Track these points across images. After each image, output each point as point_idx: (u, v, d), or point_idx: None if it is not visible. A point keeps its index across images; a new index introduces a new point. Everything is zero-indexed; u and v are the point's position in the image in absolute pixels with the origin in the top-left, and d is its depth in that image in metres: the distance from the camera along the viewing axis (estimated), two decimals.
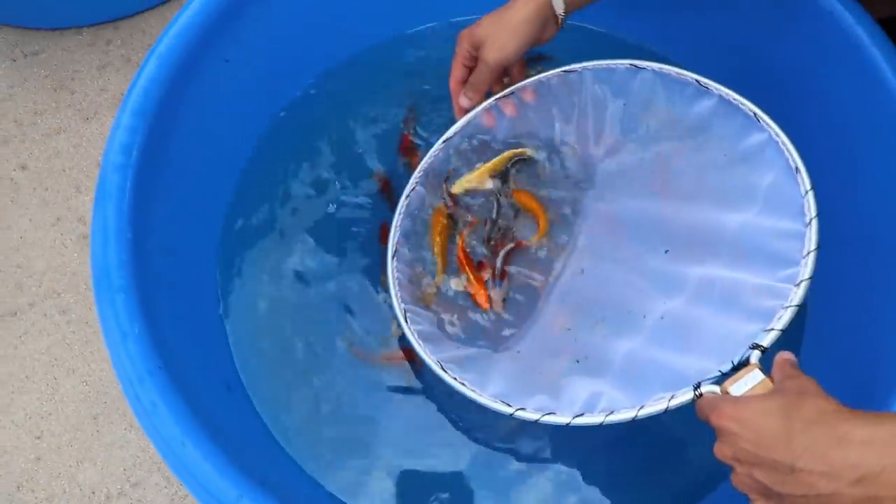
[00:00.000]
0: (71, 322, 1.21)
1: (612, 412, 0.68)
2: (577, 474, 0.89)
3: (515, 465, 0.89)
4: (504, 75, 0.88)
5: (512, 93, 0.88)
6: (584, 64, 0.85)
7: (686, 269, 0.79)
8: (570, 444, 0.91)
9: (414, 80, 1.08)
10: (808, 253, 0.68)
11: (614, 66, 0.84)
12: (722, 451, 0.59)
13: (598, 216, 0.89)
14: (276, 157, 1.04)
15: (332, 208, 1.01)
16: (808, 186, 0.70)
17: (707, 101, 0.79)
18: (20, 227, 1.29)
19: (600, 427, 0.69)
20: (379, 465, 0.88)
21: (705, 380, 0.66)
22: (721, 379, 0.65)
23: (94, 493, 1.11)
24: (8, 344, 1.21)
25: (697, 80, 0.79)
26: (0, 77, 1.40)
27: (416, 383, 0.92)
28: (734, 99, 0.77)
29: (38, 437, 1.15)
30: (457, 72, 0.86)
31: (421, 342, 0.79)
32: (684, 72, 0.80)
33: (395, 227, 0.87)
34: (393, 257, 0.85)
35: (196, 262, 0.94)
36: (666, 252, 0.81)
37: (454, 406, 0.91)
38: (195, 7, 0.86)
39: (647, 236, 0.83)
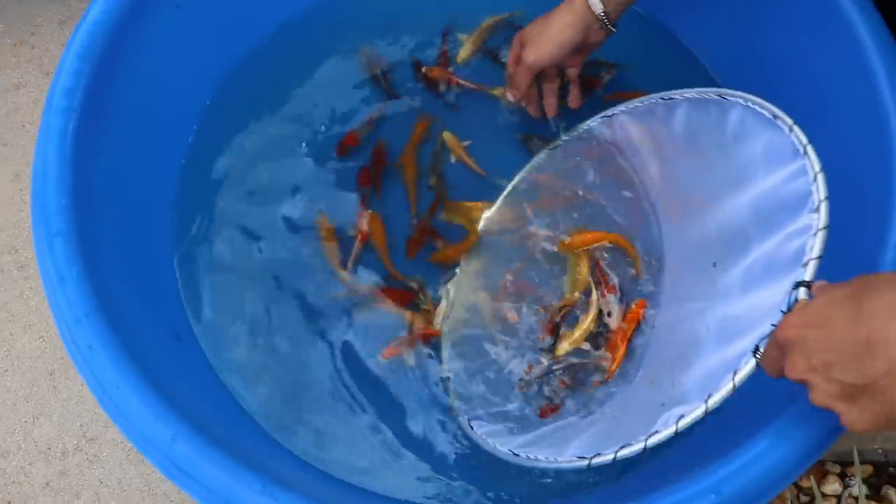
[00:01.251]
0: (28, 278, 1.20)
1: (681, 417, 0.65)
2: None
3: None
4: (557, 76, 0.94)
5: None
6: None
7: (732, 268, 0.78)
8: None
9: (373, 31, 1.07)
10: (816, 174, 0.66)
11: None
12: (795, 365, 0.55)
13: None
14: (234, 106, 1.03)
15: (294, 160, 1.01)
16: (790, 123, 0.70)
17: (682, 108, 0.82)
18: None
19: None
20: (326, 419, 0.88)
21: (761, 340, 0.62)
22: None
23: (49, 448, 1.10)
24: None
25: (661, 98, 0.83)
26: None
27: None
28: (699, 93, 0.79)
29: None
30: (510, 68, 0.94)
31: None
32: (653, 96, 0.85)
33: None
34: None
35: (149, 211, 0.93)
36: (714, 265, 0.81)
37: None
38: None
39: (693, 259, 0.85)
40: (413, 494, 0.84)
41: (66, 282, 0.71)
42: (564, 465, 0.71)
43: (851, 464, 1.07)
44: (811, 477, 1.05)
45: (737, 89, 0.78)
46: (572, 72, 0.94)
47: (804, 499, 1.05)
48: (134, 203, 0.88)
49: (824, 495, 1.06)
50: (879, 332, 0.49)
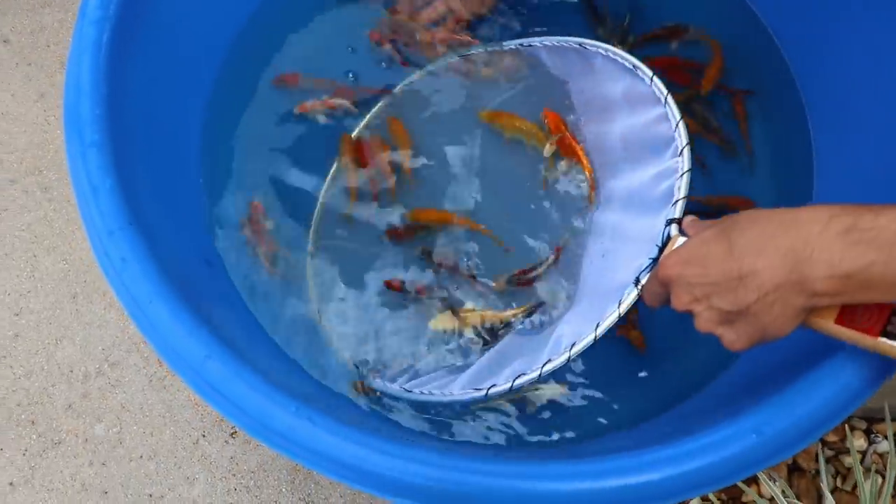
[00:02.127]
0: (53, 200, 1.19)
1: (573, 345, 0.70)
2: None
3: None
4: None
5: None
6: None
7: (609, 208, 0.86)
8: None
9: None
10: (677, 123, 0.74)
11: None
12: (679, 299, 0.61)
13: None
14: (271, 24, 0.99)
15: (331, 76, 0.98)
16: (650, 75, 0.77)
17: (542, 53, 0.91)
18: (2, 102, 1.25)
19: None
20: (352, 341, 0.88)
21: (641, 272, 0.68)
22: (653, 265, 0.68)
23: (72, 371, 1.10)
24: None
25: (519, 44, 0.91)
26: None
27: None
28: (558, 42, 0.88)
29: (17, 314, 1.13)
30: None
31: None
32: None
33: None
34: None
35: (180, 129, 0.91)
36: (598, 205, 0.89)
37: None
38: None
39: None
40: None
41: (99, 193, 0.69)
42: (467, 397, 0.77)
43: (878, 420, 1.06)
44: (846, 426, 1.04)
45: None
46: None
47: (828, 453, 1.04)
48: (166, 119, 0.86)
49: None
50: (749, 265, 0.55)
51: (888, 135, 0.83)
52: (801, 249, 0.52)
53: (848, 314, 0.56)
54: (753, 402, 0.63)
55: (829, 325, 0.57)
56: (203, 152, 0.93)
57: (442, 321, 0.87)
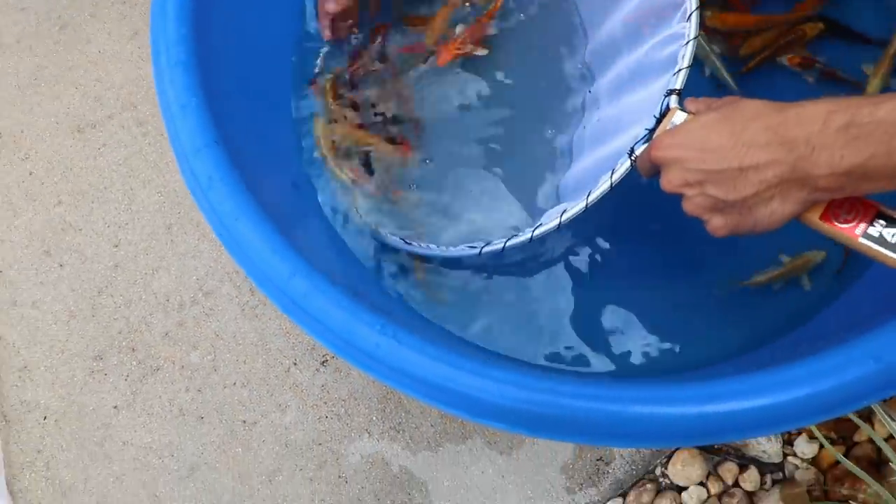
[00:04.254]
0: (147, 134, 1.21)
1: (564, 211, 0.69)
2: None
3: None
4: None
5: None
6: None
7: (605, 71, 0.83)
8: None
9: None
10: None
11: None
12: (670, 180, 0.61)
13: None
14: None
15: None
16: None
17: None
18: (99, 41, 1.27)
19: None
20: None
21: (636, 143, 0.67)
22: (650, 137, 0.66)
23: (168, 300, 1.12)
24: (87, 156, 1.21)
25: None
26: None
27: None
28: None
29: (116, 246, 1.16)
30: None
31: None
32: None
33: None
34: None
35: (270, 51, 0.90)
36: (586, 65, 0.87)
37: None
38: None
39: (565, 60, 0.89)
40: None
41: (186, 111, 0.68)
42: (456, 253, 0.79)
43: None
44: None
45: None
46: None
47: None
48: (252, 38, 0.85)
49: None
50: (751, 159, 0.55)
51: None
52: (803, 146, 0.53)
53: (834, 210, 0.57)
54: (871, 329, 0.59)
55: (814, 219, 0.57)
56: (296, 73, 0.92)
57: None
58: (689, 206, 0.61)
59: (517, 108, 0.91)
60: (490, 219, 0.87)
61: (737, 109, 0.57)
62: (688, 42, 0.68)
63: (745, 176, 0.56)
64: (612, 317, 0.85)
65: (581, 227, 0.87)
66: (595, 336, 0.84)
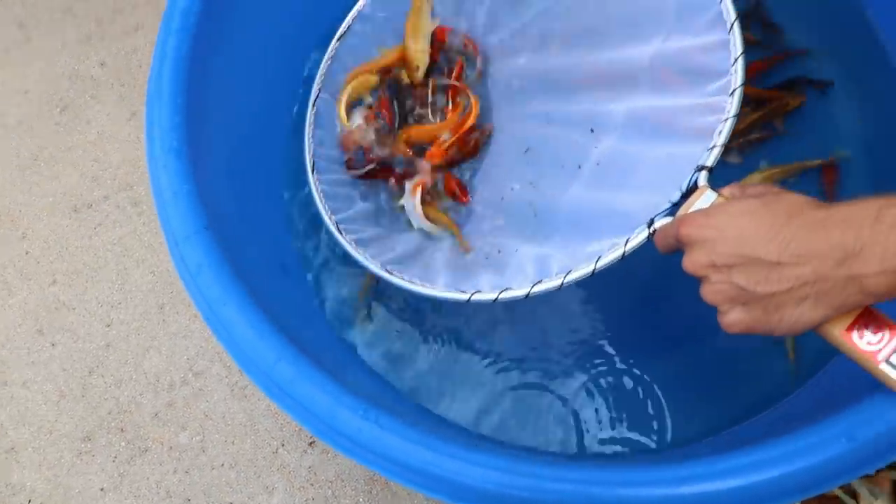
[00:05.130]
0: (142, 214, 1.23)
1: (569, 272, 0.66)
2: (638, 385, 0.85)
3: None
4: None
5: None
6: None
7: (611, 108, 0.76)
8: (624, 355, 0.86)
9: None
10: (736, 59, 0.65)
11: None
12: (695, 260, 0.57)
13: (513, 75, 0.85)
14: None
15: None
16: None
17: None
18: (98, 122, 1.31)
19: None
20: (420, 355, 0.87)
21: (657, 214, 0.64)
22: (673, 210, 0.63)
23: (158, 380, 1.13)
24: (83, 235, 1.23)
25: None
26: None
27: None
28: None
29: (108, 325, 1.17)
30: None
31: (361, 249, 0.79)
32: None
33: (308, 138, 0.85)
34: (313, 172, 0.84)
35: (261, 138, 0.92)
36: (586, 97, 0.78)
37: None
38: None
39: (564, 86, 0.80)
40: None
41: (177, 198, 0.70)
42: (443, 295, 0.72)
43: None
44: None
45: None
46: None
47: None
48: (246, 128, 0.88)
49: None
50: (792, 252, 0.51)
51: None
52: (851, 244, 0.49)
53: (860, 329, 0.53)
54: (845, 407, 0.59)
55: (835, 332, 0.54)
56: (286, 161, 0.94)
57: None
58: (710, 292, 0.56)
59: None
60: None
61: (780, 200, 0.54)
62: (727, 119, 0.64)
63: (782, 269, 0.52)
64: (589, 398, 0.85)
65: (556, 300, 0.88)
66: (572, 418, 0.85)
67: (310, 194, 0.93)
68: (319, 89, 0.88)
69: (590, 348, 0.87)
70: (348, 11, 0.94)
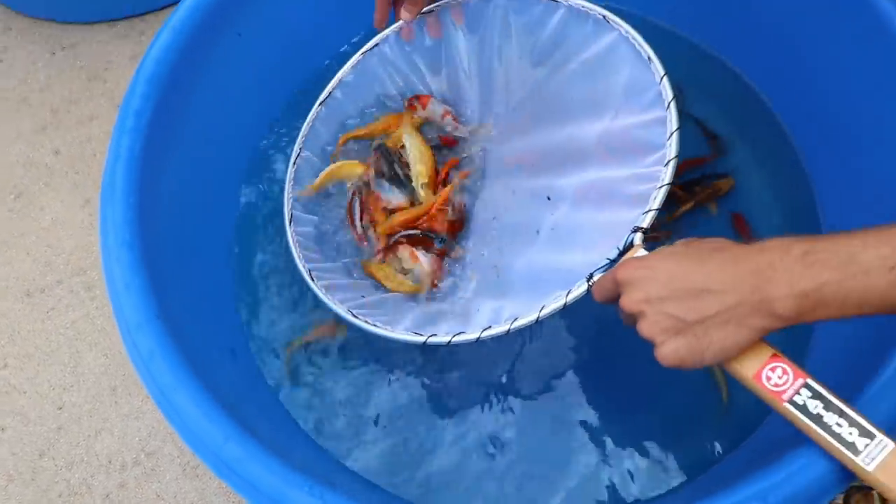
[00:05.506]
0: (95, 298, 1.26)
1: (515, 319, 0.72)
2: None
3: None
4: None
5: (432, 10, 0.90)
6: None
7: (565, 179, 0.84)
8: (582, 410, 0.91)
9: None
10: (671, 134, 0.73)
11: None
12: (632, 297, 0.62)
13: (485, 152, 0.93)
14: (299, 128, 1.05)
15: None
16: (662, 73, 0.75)
17: (557, 15, 0.84)
18: (52, 208, 1.34)
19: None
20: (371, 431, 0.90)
21: (596, 269, 0.70)
22: (610, 266, 0.70)
23: (110, 461, 1.14)
24: (36, 319, 1.25)
25: None
26: (39, 69, 1.47)
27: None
28: (582, 6, 0.81)
29: (60, 408, 1.19)
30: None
31: (330, 294, 0.85)
32: None
33: (288, 193, 0.92)
34: (290, 223, 0.91)
35: (210, 229, 0.97)
36: (545, 169, 0.86)
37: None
38: None
39: (526, 161, 0.88)
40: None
41: (129, 289, 0.75)
42: (401, 337, 0.78)
43: None
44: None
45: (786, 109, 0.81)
46: None
47: None
48: (197, 219, 0.92)
49: None
50: (715, 281, 0.58)
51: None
52: (764, 271, 0.57)
53: (768, 373, 0.60)
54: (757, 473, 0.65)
55: (748, 375, 0.61)
56: (233, 250, 0.99)
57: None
58: (646, 326, 0.61)
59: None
60: None
61: (702, 241, 0.62)
62: (661, 186, 0.71)
63: (707, 296, 0.58)
64: (559, 458, 0.89)
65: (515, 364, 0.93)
66: (532, 482, 0.88)
67: (256, 278, 0.99)
68: (301, 148, 0.94)
69: (538, 417, 0.91)
70: (296, 105, 1.01)
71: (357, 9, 0.97)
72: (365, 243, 0.93)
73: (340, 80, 0.95)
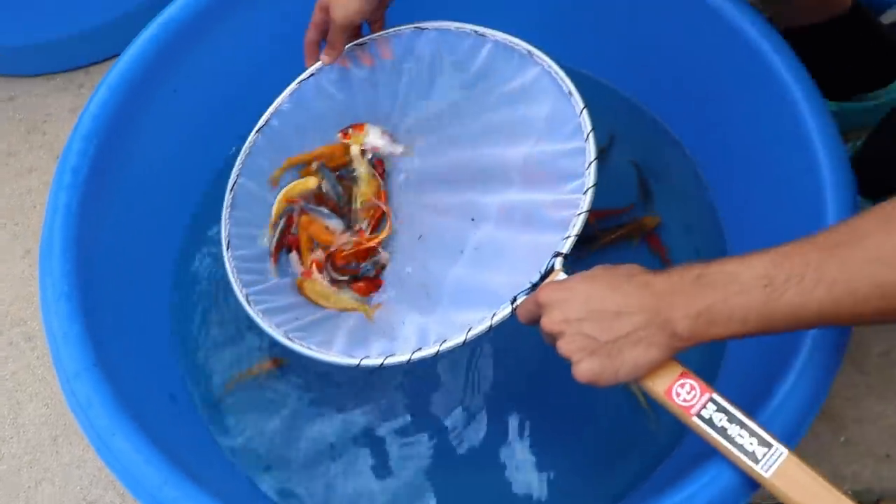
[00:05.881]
0: (35, 348, 1.26)
1: (444, 341, 0.75)
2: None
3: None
4: (358, 33, 0.94)
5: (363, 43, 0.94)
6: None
7: (488, 200, 0.88)
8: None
9: None
10: (590, 164, 0.77)
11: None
12: (552, 318, 0.67)
13: (410, 172, 0.96)
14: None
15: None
16: (582, 106, 0.80)
17: (485, 49, 0.89)
18: None
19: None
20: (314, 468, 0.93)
21: (519, 293, 0.74)
22: (532, 290, 0.74)
23: None
24: None
25: (475, 31, 0.88)
26: None
27: None
28: (509, 41, 0.86)
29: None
30: (309, 35, 0.91)
31: (266, 318, 0.85)
32: (464, 25, 0.89)
33: (225, 220, 0.92)
34: (228, 249, 0.91)
35: (147, 280, 1.00)
36: (469, 191, 0.90)
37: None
38: (141, 41, 0.94)
39: (451, 182, 0.92)
40: None
41: (67, 338, 0.77)
42: (335, 360, 0.80)
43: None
44: None
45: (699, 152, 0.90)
46: (376, 26, 0.95)
47: None
48: (133, 272, 0.95)
49: None
50: (626, 304, 0.63)
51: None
52: (666, 294, 0.62)
53: (678, 389, 0.66)
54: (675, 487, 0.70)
55: (660, 392, 0.66)
56: (171, 299, 1.02)
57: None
58: (564, 345, 0.65)
59: None
60: None
61: (617, 267, 0.67)
62: (580, 213, 0.76)
63: (620, 318, 0.63)
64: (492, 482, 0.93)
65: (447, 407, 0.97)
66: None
67: (195, 323, 1.02)
68: (238, 175, 0.95)
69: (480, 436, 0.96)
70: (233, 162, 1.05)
71: (290, 60, 1.00)
72: (275, 263, 0.94)
73: (277, 109, 0.97)
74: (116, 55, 0.95)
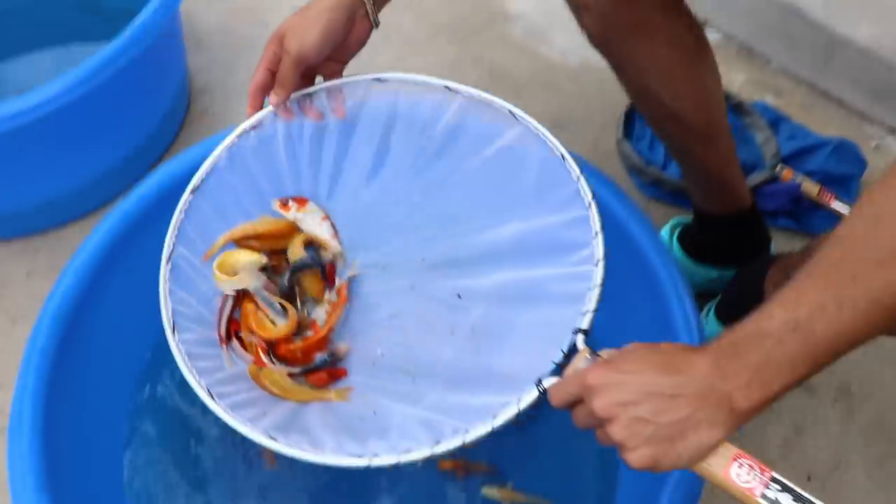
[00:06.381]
0: None
1: (467, 432, 0.68)
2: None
3: None
4: (312, 75, 0.87)
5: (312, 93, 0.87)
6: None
7: (476, 281, 0.81)
8: None
9: None
10: (597, 233, 0.73)
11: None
12: (605, 401, 0.62)
13: (377, 255, 0.89)
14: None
15: None
16: (578, 173, 0.75)
17: (455, 104, 0.82)
18: None
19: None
20: None
21: (544, 375, 0.69)
22: (558, 370, 0.69)
23: None
24: None
25: (447, 86, 0.83)
26: None
27: None
28: (483, 98, 0.81)
29: None
30: (258, 76, 0.84)
31: (240, 417, 0.74)
32: (430, 78, 0.83)
33: (165, 296, 0.81)
34: (173, 332, 0.78)
35: (105, 455, 1.08)
36: (452, 272, 0.83)
37: None
38: (98, 235, 1.06)
39: (430, 264, 0.85)
40: None
41: None
42: (341, 463, 0.70)
43: None
44: None
45: None
46: (334, 74, 0.89)
47: None
48: (92, 444, 1.04)
49: None
50: (682, 386, 0.61)
51: None
52: (714, 370, 0.61)
53: (737, 471, 0.62)
54: None
55: (718, 474, 0.63)
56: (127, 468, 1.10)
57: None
58: (618, 430, 0.61)
59: None
60: None
61: (658, 346, 0.64)
62: (594, 287, 0.71)
63: (676, 400, 0.60)
64: None
65: None
66: None
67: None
68: (174, 244, 0.84)
69: None
70: None
71: None
72: (224, 348, 0.83)
73: (213, 166, 0.86)
74: (70, 220, 1.02)
